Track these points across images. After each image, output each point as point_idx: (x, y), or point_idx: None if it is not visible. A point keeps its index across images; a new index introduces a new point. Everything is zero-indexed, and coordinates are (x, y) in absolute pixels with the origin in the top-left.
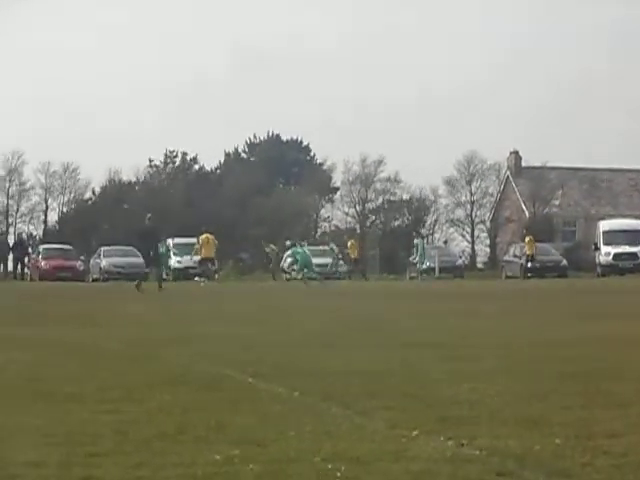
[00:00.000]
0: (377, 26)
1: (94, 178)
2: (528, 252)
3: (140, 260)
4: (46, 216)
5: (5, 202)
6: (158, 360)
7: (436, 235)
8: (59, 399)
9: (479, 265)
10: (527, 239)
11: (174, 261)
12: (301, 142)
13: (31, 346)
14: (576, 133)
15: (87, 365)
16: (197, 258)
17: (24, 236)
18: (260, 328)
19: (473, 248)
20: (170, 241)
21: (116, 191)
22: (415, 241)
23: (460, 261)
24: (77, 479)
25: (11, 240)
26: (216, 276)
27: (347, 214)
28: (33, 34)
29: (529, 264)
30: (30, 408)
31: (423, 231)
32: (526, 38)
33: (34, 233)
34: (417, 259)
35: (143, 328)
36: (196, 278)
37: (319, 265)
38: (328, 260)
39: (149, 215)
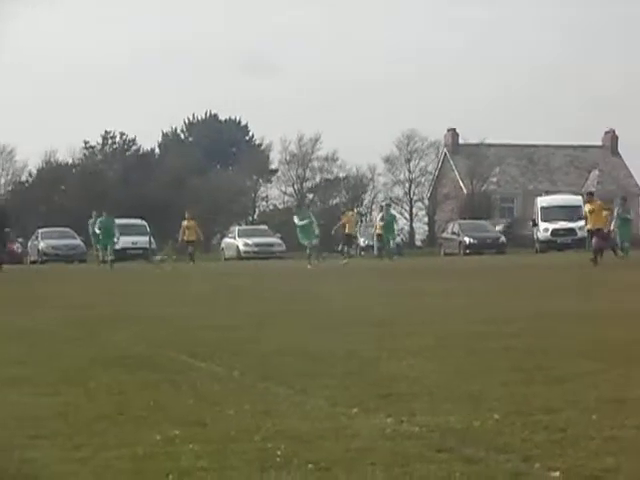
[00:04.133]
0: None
1: (30, 160)
2: (347, 231)
3: (77, 241)
4: None
5: None
6: (96, 342)
7: (374, 213)
8: None
9: (417, 243)
10: (349, 214)
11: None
12: (239, 122)
13: None
14: (513, 110)
15: (25, 348)
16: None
17: None
18: (197, 309)
19: (412, 226)
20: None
21: (53, 173)
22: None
23: (398, 239)
24: (17, 462)
25: None
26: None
27: (285, 193)
28: None
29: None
30: None
31: (361, 209)
32: (467, 19)
33: None
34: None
35: (80, 310)
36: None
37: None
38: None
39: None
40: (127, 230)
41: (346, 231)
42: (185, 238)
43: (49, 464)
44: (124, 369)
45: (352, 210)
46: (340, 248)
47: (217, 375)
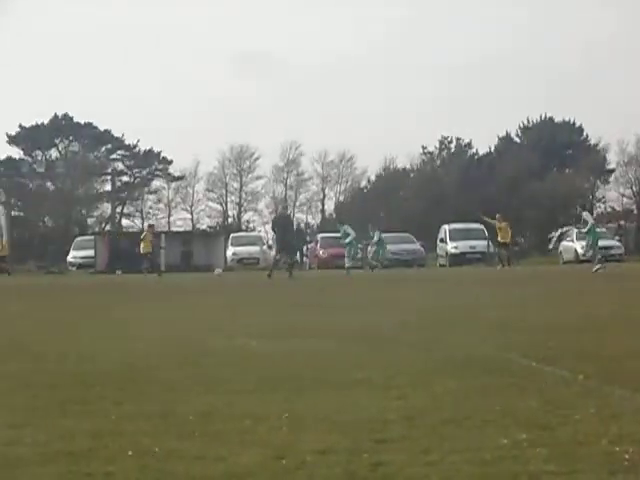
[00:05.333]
0: None
1: (370, 166)
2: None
3: (417, 246)
4: (323, 205)
5: (284, 192)
6: (439, 345)
7: None
8: (347, 385)
9: None
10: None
11: (450, 247)
12: (574, 123)
13: (313, 334)
14: None
15: (372, 351)
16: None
17: (302, 226)
18: (532, 312)
19: None
20: (446, 226)
21: (391, 179)
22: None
23: None
24: (367, 465)
25: None
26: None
27: (623, 195)
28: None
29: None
30: (319, 395)
31: None
32: None
33: (311, 222)
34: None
35: (419, 313)
36: None
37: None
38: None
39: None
40: (464, 234)
41: None
42: (498, 240)
43: (400, 468)
44: (469, 373)
45: None
46: None
47: (562, 379)
